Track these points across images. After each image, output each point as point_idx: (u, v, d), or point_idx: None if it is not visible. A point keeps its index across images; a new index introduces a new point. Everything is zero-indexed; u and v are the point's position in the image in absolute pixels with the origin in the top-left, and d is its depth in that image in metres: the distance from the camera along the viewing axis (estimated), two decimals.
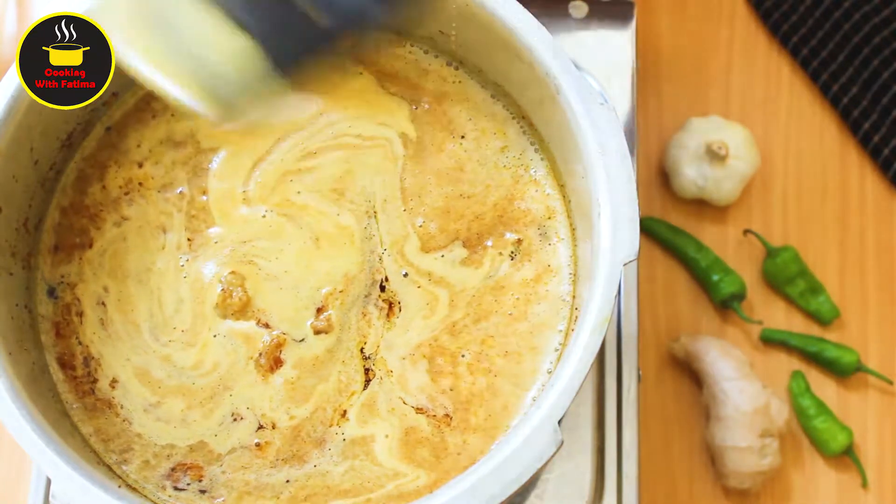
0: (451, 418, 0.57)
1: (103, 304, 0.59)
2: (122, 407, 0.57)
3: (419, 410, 0.57)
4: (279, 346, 0.58)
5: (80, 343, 0.59)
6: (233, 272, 0.59)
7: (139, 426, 0.57)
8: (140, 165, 0.62)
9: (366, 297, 0.59)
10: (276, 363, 0.58)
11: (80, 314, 0.59)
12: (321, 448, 0.56)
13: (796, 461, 0.79)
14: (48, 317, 0.59)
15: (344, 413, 0.57)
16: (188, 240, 0.60)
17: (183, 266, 0.60)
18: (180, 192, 0.61)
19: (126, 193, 0.61)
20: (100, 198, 0.61)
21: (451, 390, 0.57)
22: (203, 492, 0.56)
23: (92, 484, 0.51)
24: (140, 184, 0.61)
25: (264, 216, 0.60)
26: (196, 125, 0.62)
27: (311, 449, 0.56)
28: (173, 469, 0.56)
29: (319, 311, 0.59)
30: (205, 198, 0.61)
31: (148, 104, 0.63)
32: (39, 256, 0.60)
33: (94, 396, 0.58)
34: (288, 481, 0.56)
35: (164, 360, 0.58)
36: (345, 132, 0.62)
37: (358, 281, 0.59)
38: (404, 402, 0.57)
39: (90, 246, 0.60)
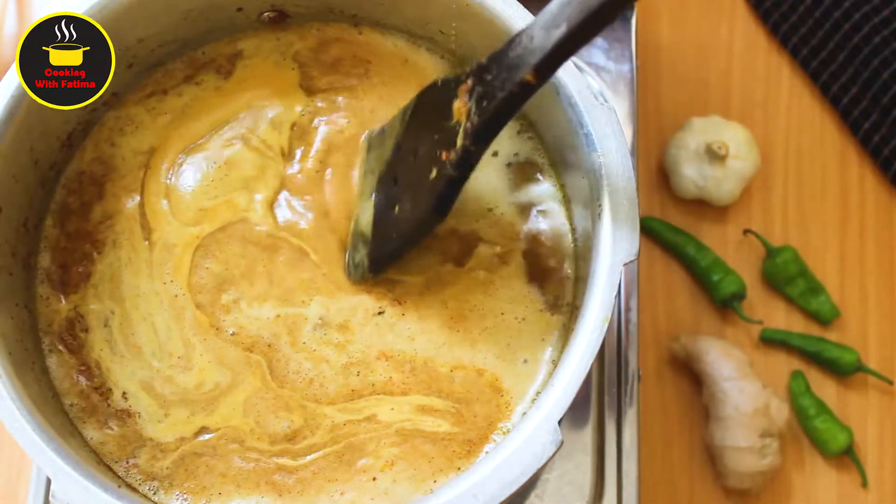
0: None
1: (108, 325, 0.59)
2: (139, 416, 0.58)
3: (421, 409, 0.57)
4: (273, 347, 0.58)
5: (89, 357, 0.59)
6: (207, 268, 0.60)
7: (152, 432, 0.57)
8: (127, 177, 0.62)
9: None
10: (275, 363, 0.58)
11: (86, 330, 0.59)
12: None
13: (796, 461, 0.79)
14: (55, 331, 0.59)
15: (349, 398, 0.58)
16: (149, 255, 0.60)
17: (158, 291, 0.60)
18: (136, 201, 0.61)
19: (111, 216, 0.61)
20: (99, 217, 0.61)
21: (449, 390, 0.57)
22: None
23: (92, 484, 0.51)
24: (121, 199, 0.62)
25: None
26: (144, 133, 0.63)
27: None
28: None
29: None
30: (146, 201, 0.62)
31: (126, 117, 0.63)
32: (50, 295, 0.60)
33: (110, 407, 0.58)
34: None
35: (167, 380, 0.58)
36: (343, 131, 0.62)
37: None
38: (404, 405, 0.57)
39: (91, 272, 0.60)
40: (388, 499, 0.55)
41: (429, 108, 0.55)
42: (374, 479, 0.55)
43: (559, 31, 0.47)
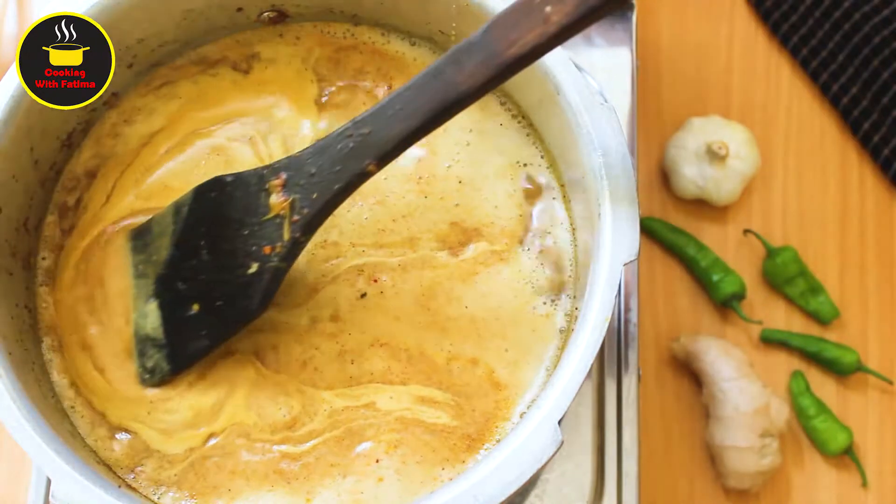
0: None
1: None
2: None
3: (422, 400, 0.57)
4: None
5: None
6: None
7: (158, 446, 0.57)
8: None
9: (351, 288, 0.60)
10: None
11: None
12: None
13: (796, 461, 0.79)
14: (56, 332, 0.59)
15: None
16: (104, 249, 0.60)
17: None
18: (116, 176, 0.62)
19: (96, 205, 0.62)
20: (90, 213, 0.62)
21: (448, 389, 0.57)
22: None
23: (92, 484, 0.51)
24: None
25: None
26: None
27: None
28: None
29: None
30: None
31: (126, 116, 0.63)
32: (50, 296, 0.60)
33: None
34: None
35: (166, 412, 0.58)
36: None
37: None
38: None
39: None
40: (402, 479, 0.55)
41: (223, 205, 0.55)
42: (377, 460, 0.56)
43: (410, 123, 0.50)
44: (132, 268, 0.59)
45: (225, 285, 0.55)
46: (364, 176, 0.52)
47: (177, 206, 0.57)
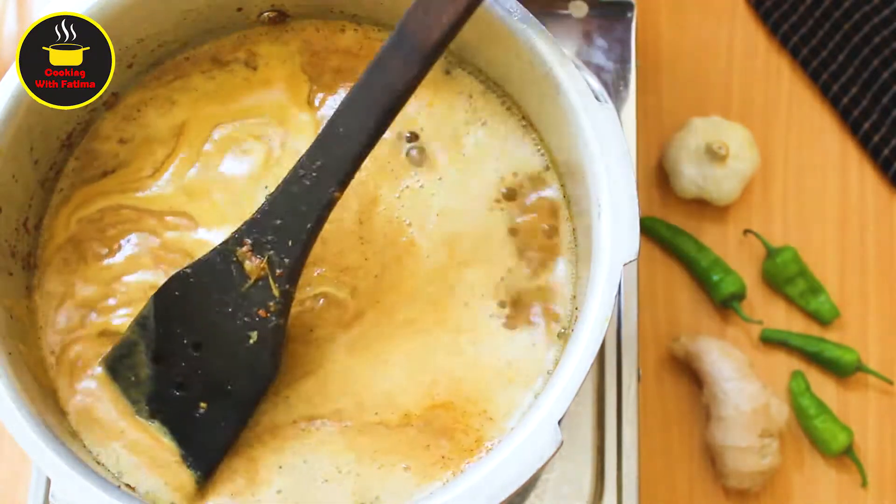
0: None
1: None
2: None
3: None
4: None
5: None
6: None
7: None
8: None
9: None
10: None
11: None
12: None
13: (796, 461, 0.79)
14: None
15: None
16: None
17: None
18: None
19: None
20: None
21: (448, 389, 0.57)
22: None
23: (92, 484, 0.51)
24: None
25: None
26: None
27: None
28: None
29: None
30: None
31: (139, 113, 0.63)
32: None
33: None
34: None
35: None
36: None
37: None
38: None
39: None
40: (410, 474, 0.55)
41: (192, 298, 0.55)
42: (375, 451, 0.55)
43: (361, 138, 0.52)
44: (123, 394, 0.57)
45: (229, 367, 0.55)
46: (331, 204, 0.53)
47: (140, 322, 0.56)
